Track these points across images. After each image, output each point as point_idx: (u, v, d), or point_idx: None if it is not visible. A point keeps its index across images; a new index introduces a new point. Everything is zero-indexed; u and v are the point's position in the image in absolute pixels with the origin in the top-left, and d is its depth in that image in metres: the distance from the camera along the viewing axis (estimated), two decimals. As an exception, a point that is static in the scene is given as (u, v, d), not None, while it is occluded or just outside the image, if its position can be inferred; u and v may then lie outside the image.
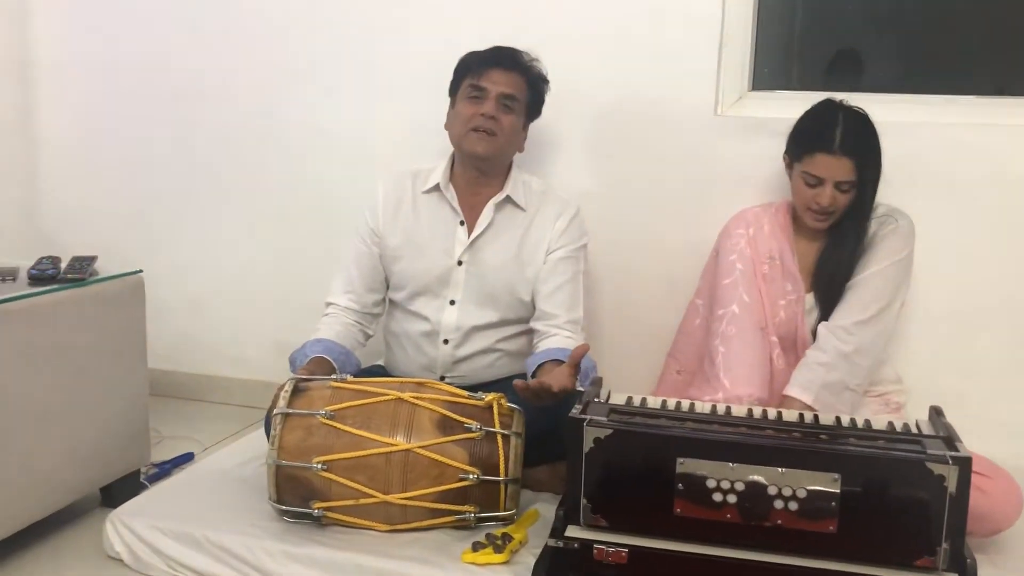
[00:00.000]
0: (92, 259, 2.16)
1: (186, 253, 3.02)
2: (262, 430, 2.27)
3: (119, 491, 2.18)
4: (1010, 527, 1.91)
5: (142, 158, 3.03)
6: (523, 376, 2.13)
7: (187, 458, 2.49)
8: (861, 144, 2.09)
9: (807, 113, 2.18)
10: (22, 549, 1.98)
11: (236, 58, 2.89)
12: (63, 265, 2.12)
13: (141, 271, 2.22)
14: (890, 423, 1.80)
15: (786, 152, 2.22)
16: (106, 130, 3.05)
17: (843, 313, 2.13)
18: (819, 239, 2.22)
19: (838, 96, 2.17)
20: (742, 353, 2.14)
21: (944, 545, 1.55)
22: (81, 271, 2.10)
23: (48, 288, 2.00)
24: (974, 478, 1.73)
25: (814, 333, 2.17)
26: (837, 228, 2.17)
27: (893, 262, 2.14)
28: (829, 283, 2.17)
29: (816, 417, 1.84)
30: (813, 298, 2.21)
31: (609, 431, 1.65)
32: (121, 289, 2.18)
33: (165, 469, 2.39)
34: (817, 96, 2.37)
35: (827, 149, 2.07)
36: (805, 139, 2.14)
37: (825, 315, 2.17)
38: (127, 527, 1.94)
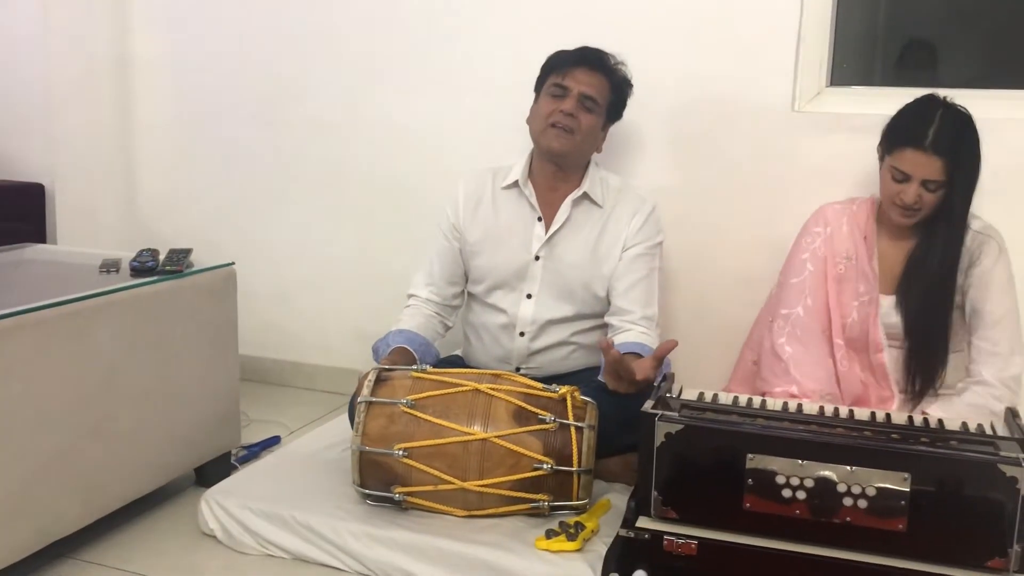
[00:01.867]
0: (188, 251, 2.28)
1: (274, 245, 3.14)
2: (345, 416, 2.37)
3: (212, 472, 2.30)
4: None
5: (233, 154, 3.16)
6: (596, 370, 2.18)
7: (274, 441, 2.61)
8: (955, 144, 2.01)
9: (906, 107, 2.12)
10: (124, 525, 2.11)
11: (320, 58, 2.99)
12: (161, 257, 2.24)
13: (233, 263, 2.34)
14: (964, 423, 1.81)
15: (879, 144, 2.15)
16: (199, 126, 3.19)
17: (986, 364, 2.06)
18: (907, 239, 2.16)
19: (943, 92, 2.09)
20: (808, 353, 2.13)
21: (1016, 547, 1.55)
22: (178, 263, 2.21)
23: (148, 280, 2.12)
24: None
25: (892, 337, 2.14)
26: (927, 231, 2.11)
27: (1013, 298, 2.09)
28: (916, 288, 2.12)
29: (888, 416, 1.85)
30: (894, 301, 2.16)
31: (680, 426, 1.69)
32: (215, 280, 2.29)
33: (254, 451, 2.51)
34: (896, 93, 2.35)
35: (918, 145, 2.01)
36: (898, 133, 2.09)
37: (908, 319, 2.12)
38: (220, 506, 2.05)
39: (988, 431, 1.76)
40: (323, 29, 2.97)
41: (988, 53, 2.78)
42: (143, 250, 2.24)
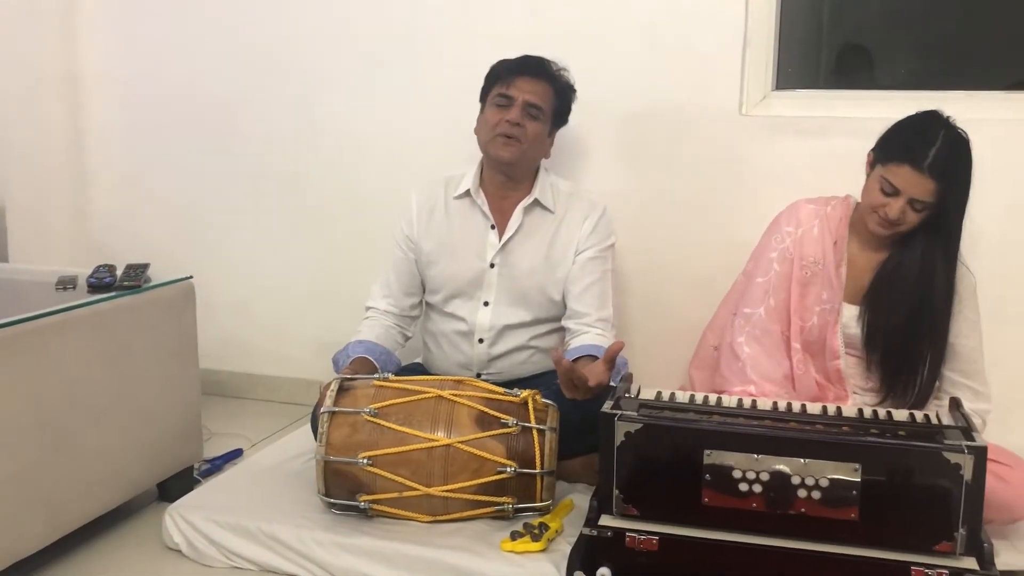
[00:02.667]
0: (145, 266, 2.27)
1: (231, 257, 3.13)
2: (307, 426, 2.38)
3: (175, 486, 2.29)
4: (1029, 515, 1.96)
5: (186, 166, 3.14)
6: (555, 373, 2.21)
7: (236, 454, 2.61)
8: (952, 169, 1.97)
9: (909, 120, 2.06)
10: (88, 542, 2.10)
11: (274, 67, 2.99)
12: (119, 273, 2.23)
13: (191, 277, 2.33)
14: (911, 415, 1.87)
15: (873, 150, 2.10)
16: (151, 139, 3.17)
17: (961, 395, 2.02)
18: (879, 250, 2.14)
19: (947, 112, 2.05)
20: (766, 354, 2.17)
21: (962, 530, 1.62)
22: (136, 278, 2.21)
23: (107, 296, 2.11)
24: (995, 468, 1.80)
25: (850, 346, 2.15)
26: (902, 245, 2.09)
27: (981, 337, 2.11)
28: (886, 302, 2.11)
29: (839, 409, 1.91)
30: (857, 311, 2.14)
31: (639, 425, 1.74)
32: (174, 294, 2.28)
33: (217, 465, 2.50)
34: (839, 95, 2.42)
35: (916, 164, 1.96)
36: (897, 146, 2.02)
37: (872, 332, 2.11)
38: (185, 520, 2.04)
39: (934, 421, 1.83)
40: (276, 39, 2.97)
41: (925, 55, 2.87)
42: (100, 266, 2.23)
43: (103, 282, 2.17)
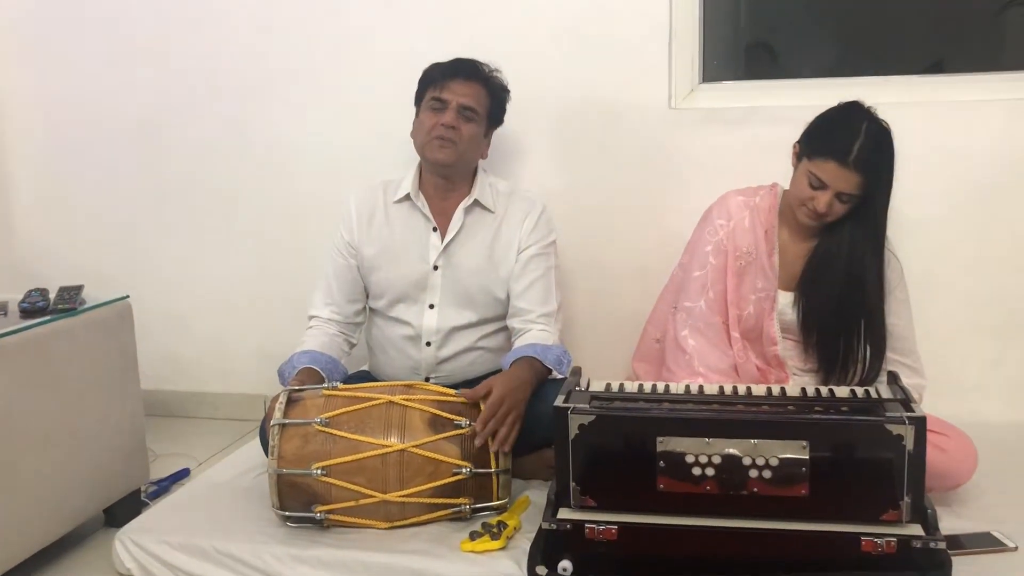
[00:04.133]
0: (79, 288, 2.22)
1: (166, 274, 3.08)
2: (254, 442, 2.35)
3: (122, 510, 2.25)
4: (967, 481, 2.04)
5: (114, 183, 3.08)
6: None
7: (184, 474, 2.56)
8: (876, 161, 2.02)
9: (831, 114, 2.10)
10: (35, 575, 2.04)
11: (202, 79, 2.95)
12: (52, 296, 2.18)
13: (128, 296, 2.29)
14: (852, 391, 1.93)
15: (799, 143, 2.13)
16: (76, 158, 3.10)
17: (903, 371, 2.10)
18: (809, 238, 2.18)
19: (868, 102, 2.08)
20: (710, 345, 2.21)
21: (906, 499, 1.67)
22: (71, 301, 2.16)
23: (41, 320, 2.06)
24: (934, 438, 1.87)
25: (787, 331, 2.20)
26: (831, 233, 2.13)
27: (912, 317, 2.19)
28: (819, 287, 2.15)
29: (783, 390, 1.96)
30: (792, 298, 2.19)
31: (592, 417, 1.76)
32: (110, 315, 2.24)
33: (164, 486, 2.46)
34: (762, 85, 2.47)
35: (841, 160, 2.01)
36: (822, 141, 2.06)
37: (807, 317, 2.16)
38: (136, 544, 2.00)
39: (874, 395, 1.89)
40: (203, 52, 2.93)
41: (842, 42, 2.96)
42: (32, 290, 2.17)
43: (36, 306, 2.12)
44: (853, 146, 2.00)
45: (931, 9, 2.86)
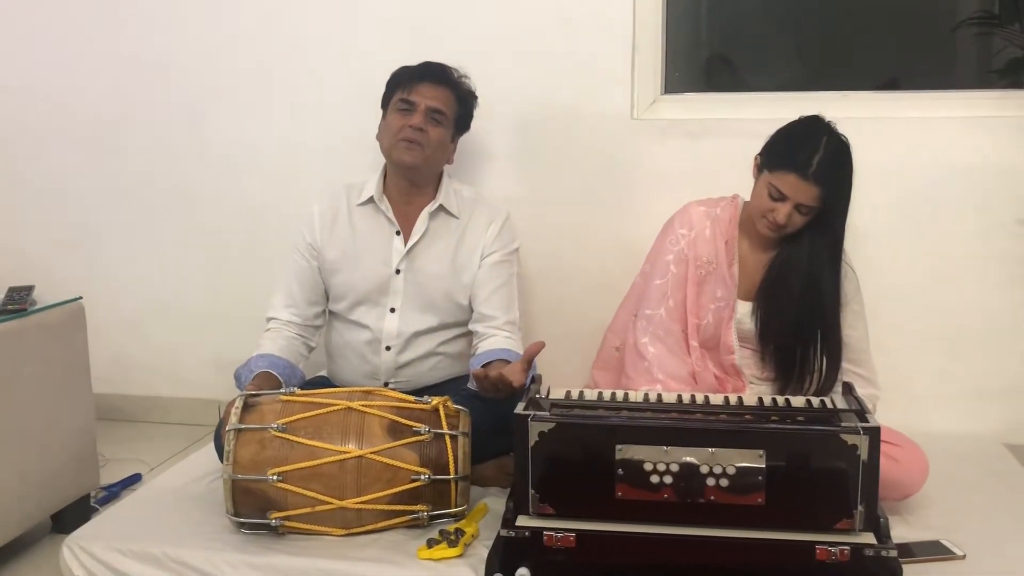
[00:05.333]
0: (30, 289, 2.18)
1: (120, 275, 3.03)
2: (208, 447, 2.32)
3: (70, 517, 2.21)
4: (918, 491, 2.07)
5: (66, 183, 3.03)
6: (465, 378, 2.22)
7: (135, 479, 2.52)
8: (835, 174, 2.06)
9: (792, 127, 2.14)
10: (-23, 581, 2.01)
11: (157, 80, 2.91)
12: (1, 297, 2.13)
13: (81, 298, 2.25)
14: (808, 401, 1.96)
15: (760, 155, 2.16)
16: (26, 157, 3.04)
17: (858, 381, 2.11)
18: (768, 248, 2.21)
19: (828, 116, 2.12)
20: (670, 353, 2.23)
21: (860, 507, 1.69)
22: (21, 301, 2.11)
23: (-10, 321, 2.02)
24: (886, 448, 1.89)
25: (744, 340, 2.22)
26: (790, 244, 2.16)
27: (867, 330, 2.23)
28: (777, 298, 2.17)
29: (740, 399, 1.98)
30: (751, 308, 2.22)
31: (552, 424, 1.76)
32: (62, 317, 2.20)
33: (115, 492, 2.42)
34: (723, 98, 2.49)
35: (800, 173, 2.03)
36: (782, 155, 2.09)
37: (765, 327, 2.18)
38: (85, 551, 1.95)
39: (829, 405, 1.92)
40: (159, 49, 2.89)
41: (801, 58, 3.01)
42: (-20, 290, 2.13)
43: (-15, 307, 2.07)
44: (813, 159, 2.03)
45: (887, 27, 2.92)
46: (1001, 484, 2.27)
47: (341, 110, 2.77)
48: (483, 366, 2.14)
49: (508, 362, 2.09)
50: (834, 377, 2.15)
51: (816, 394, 2.13)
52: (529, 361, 1.95)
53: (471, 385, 2.08)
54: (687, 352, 2.25)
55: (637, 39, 2.64)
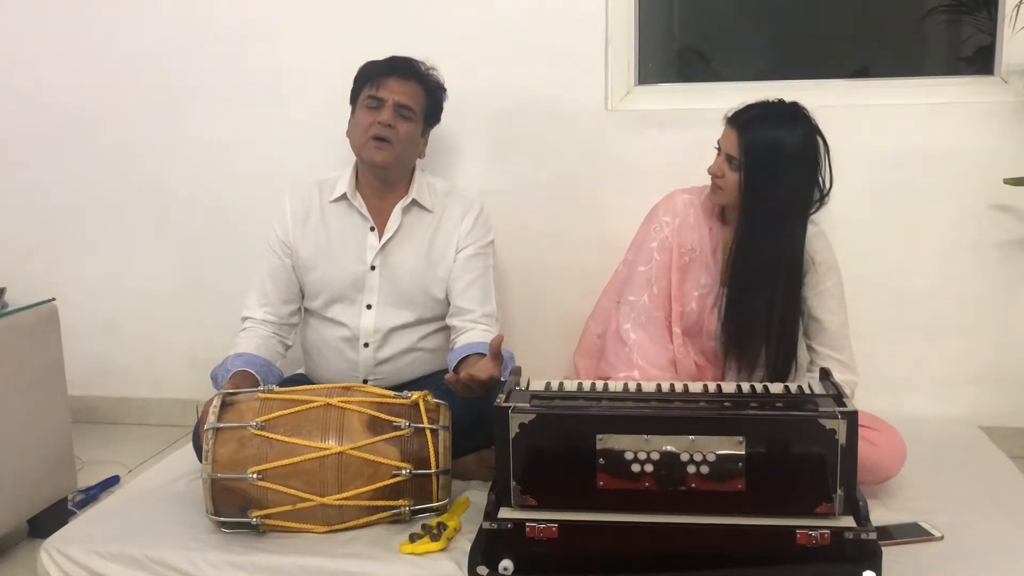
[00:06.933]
0: (1, 291, 2.15)
1: (93, 276, 2.99)
2: (186, 448, 2.30)
3: (47, 520, 2.18)
4: (896, 474, 2.10)
5: (37, 182, 2.98)
6: (444, 372, 2.22)
7: (113, 481, 2.49)
8: (763, 129, 2.08)
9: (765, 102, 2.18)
10: (-47, 588, 1.98)
11: (129, 77, 2.88)
12: (-28, 299, 2.11)
13: (54, 299, 2.22)
14: (786, 387, 1.97)
15: None
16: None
17: (836, 367, 2.13)
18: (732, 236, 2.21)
19: (804, 102, 2.15)
20: (651, 340, 2.24)
21: (839, 492, 1.71)
22: (-8, 304, 2.09)
23: (-39, 324, 1.99)
24: (864, 432, 1.91)
25: (724, 324, 2.21)
26: (746, 223, 2.15)
27: (846, 311, 2.21)
28: (734, 279, 2.19)
29: (719, 387, 1.99)
30: (727, 293, 2.22)
31: (532, 416, 1.76)
32: (35, 319, 2.17)
33: (92, 494, 2.39)
34: (696, 88, 2.49)
35: (730, 122, 2.12)
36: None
37: (738, 308, 2.18)
38: (63, 554, 1.93)
39: (807, 391, 1.93)
40: (133, 45, 2.86)
41: (774, 47, 3.02)
42: (-50, 293, 2.10)
43: (-45, 309, 2.04)
44: (748, 111, 2.10)
45: (857, 17, 2.94)
46: (977, 466, 2.30)
47: (311, 107, 2.75)
48: (458, 362, 2.14)
49: (484, 355, 2.08)
50: (790, 358, 2.16)
51: (772, 376, 2.14)
52: (497, 354, 1.95)
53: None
54: (669, 339, 2.26)
55: (610, 31, 2.64)
